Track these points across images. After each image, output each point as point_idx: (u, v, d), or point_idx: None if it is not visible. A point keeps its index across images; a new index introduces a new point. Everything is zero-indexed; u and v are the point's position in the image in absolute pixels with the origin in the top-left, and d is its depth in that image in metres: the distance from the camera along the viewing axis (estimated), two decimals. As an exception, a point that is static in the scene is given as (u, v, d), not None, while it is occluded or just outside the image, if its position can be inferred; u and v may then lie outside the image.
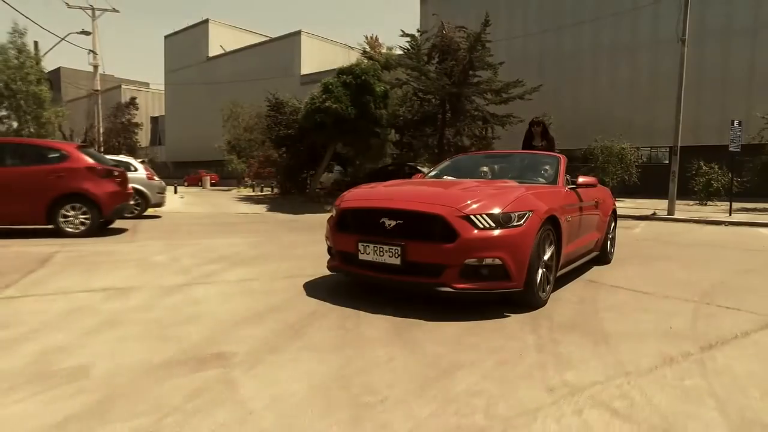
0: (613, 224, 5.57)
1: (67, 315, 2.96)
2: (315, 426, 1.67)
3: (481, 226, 3.02)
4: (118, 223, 8.24)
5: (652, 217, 12.28)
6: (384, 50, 24.68)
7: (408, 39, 15.47)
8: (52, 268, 4.48)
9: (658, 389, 2.00)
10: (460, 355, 2.38)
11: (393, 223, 3.17)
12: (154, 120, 60.05)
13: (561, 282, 4.02)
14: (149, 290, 3.62)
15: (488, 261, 2.99)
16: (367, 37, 34.68)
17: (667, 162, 21.97)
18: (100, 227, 7.09)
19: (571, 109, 25.04)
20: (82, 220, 6.69)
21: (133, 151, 28.04)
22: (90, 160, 6.88)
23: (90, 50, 24.16)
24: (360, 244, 3.26)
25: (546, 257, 3.39)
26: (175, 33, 52.11)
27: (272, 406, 1.81)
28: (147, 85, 74.75)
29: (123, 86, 58.67)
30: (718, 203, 16.95)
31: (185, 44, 50.01)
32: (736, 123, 12.70)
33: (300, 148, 15.50)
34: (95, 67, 24.88)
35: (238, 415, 1.74)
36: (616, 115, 24.50)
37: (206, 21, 48.05)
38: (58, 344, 2.44)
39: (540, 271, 3.27)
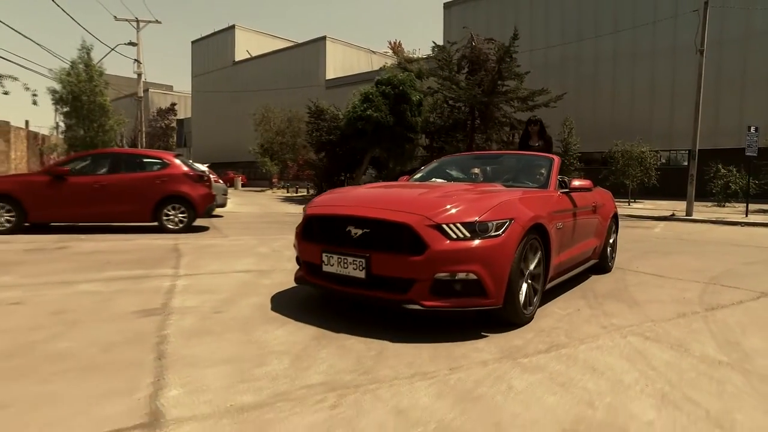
0: (614, 230, 5.28)
1: (244, 286, 4.13)
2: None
3: (454, 236, 2.77)
4: (197, 222, 9.49)
5: (671, 218, 13.14)
6: (406, 54, 25.81)
7: (438, 50, 16.55)
8: (190, 256, 5.68)
9: (673, 328, 3.08)
10: (540, 314, 3.47)
11: (359, 231, 2.95)
12: (179, 122, 62.07)
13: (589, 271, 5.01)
14: (282, 272, 4.78)
15: (461, 275, 2.74)
16: (390, 43, 35.86)
17: (685, 164, 22.63)
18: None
19: (591, 114, 25.78)
20: (181, 218, 7.94)
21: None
22: (185, 168, 8.13)
23: (135, 59, 25.80)
24: (324, 254, 3.05)
25: (531, 269, 3.16)
26: (202, 38, 53.95)
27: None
28: (171, 88, 77.25)
29: (150, 90, 60.86)
30: (736, 205, 17.67)
31: (212, 49, 51.81)
32: (752, 129, 13.50)
33: (338, 153, 16.71)
34: (139, 75, 26.53)
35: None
36: (635, 119, 25.18)
37: (233, 27, 49.73)
38: (261, 302, 3.60)
39: (523, 285, 3.05)
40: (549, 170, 4.18)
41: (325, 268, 3.06)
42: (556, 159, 4.42)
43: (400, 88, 13.65)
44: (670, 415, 1.92)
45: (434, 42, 16.28)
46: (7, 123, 14.10)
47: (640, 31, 24.91)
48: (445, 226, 2.78)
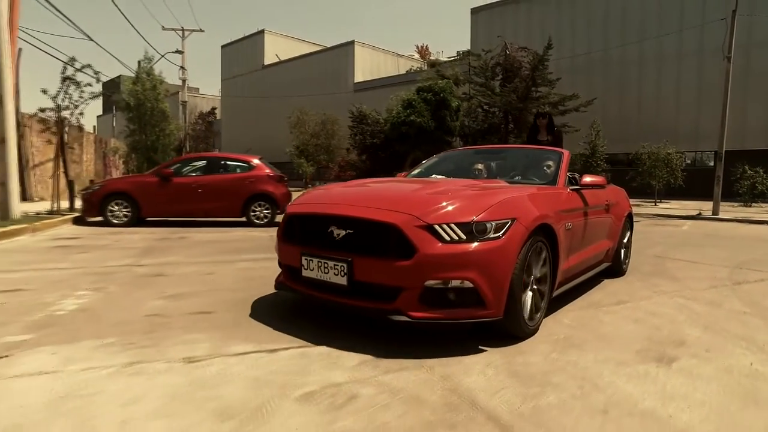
0: (628, 230, 5.06)
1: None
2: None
3: (448, 238, 2.50)
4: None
5: (698, 217, 13.86)
6: (432, 57, 26.84)
7: (474, 58, 17.58)
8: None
9: (708, 294, 4.10)
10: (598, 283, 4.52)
11: (342, 232, 2.70)
12: (209, 124, 64.13)
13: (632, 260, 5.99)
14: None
15: (455, 283, 2.48)
16: (418, 47, 36.96)
17: (711, 164, 23.12)
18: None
19: (617, 115, 26.35)
20: (266, 213, 9.16)
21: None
22: (268, 170, 9.36)
23: (180, 66, 27.43)
24: (303, 257, 2.80)
25: (536, 275, 2.90)
26: (232, 43, 55.75)
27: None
28: (197, 90, 79.66)
29: (180, 92, 63.03)
30: (762, 205, 18.25)
31: (241, 53, 53.54)
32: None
33: (381, 155, 17.89)
34: (184, 81, 28.19)
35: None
36: (661, 120, 25.66)
37: (262, 31, 51.36)
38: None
39: (527, 293, 2.79)
40: (558, 165, 3.87)
41: (305, 273, 2.79)
42: (566, 153, 4.09)
43: (441, 94, 14.75)
44: (711, 335, 2.97)
45: (461, 51, 17.33)
46: (80, 129, 15.61)
47: (666, 34, 25.41)
48: (437, 226, 2.50)
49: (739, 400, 2.09)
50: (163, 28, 27.07)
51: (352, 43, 41.04)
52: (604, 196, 4.19)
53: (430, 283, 2.47)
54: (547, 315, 3.18)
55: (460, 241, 2.51)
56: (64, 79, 9.15)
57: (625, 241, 4.94)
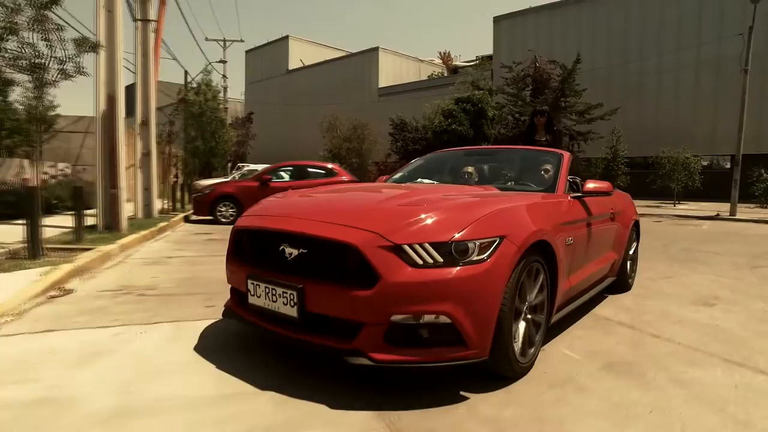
0: (635, 241, 4.67)
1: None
2: None
3: (420, 261, 2.06)
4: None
5: (716, 218, 15.11)
6: (453, 62, 28.25)
7: (506, 70, 19.06)
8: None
9: (731, 273, 5.57)
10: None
11: (294, 252, 2.29)
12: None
13: (656, 257, 7.44)
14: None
15: (429, 318, 2.05)
16: (441, 53, 38.38)
17: (727, 167, 24.24)
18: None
19: (637, 121, 27.47)
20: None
21: (243, 160, 33.18)
22: (346, 176, 10.92)
23: (223, 75, 29.22)
24: (249, 281, 2.41)
25: (531, 301, 2.50)
26: (256, 48, 57.63)
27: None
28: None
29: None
30: (777, 207, 19.44)
31: (266, 58, 55.39)
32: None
33: (421, 161, 19.38)
34: (225, 88, 29.98)
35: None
36: (679, 125, 26.66)
37: (286, 37, 53.16)
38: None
39: (519, 324, 2.40)
40: (557, 169, 3.42)
41: (251, 300, 2.40)
42: (566, 155, 3.65)
43: (480, 105, 16.24)
44: (736, 295, 4.46)
45: (480, 56, 18.71)
46: (131, 132, 17.40)
47: (685, 43, 26.55)
48: (406, 247, 2.07)
49: (755, 322, 3.60)
50: (206, 39, 28.91)
51: (376, 49, 42.57)
52: (609, 204, 3.80)
53: (397, 318, 2.02)
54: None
55: (436, 265, 2.05)
56: (181, 100, 10.82)
57: (632, 252, 4.53)
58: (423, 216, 2.23)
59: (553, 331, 3.13)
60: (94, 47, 5.79)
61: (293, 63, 51.75)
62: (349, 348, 2.09)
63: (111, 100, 7.17)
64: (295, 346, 2.37)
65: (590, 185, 3.27)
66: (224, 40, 29.00)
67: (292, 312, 2.20)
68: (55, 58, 5.00)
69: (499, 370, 2.31)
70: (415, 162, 4.39)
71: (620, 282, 4.32)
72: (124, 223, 7.34)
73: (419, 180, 3.88)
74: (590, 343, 3.03)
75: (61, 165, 13.59)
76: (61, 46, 5.00)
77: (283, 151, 50.27)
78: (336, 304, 2.13)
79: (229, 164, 25.58)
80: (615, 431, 1.97)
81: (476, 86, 19.62)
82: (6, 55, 4.62)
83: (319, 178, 10.75)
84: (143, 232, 7.27)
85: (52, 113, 13.50)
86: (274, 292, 2.28)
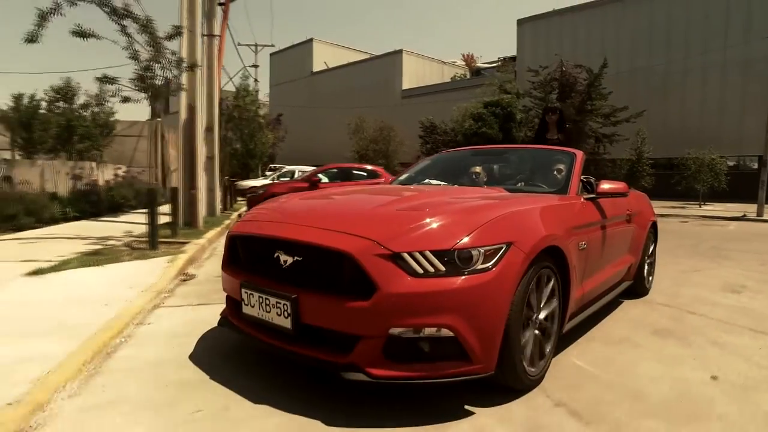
0: (652, 242, 4.57)
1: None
2: None
3: (420, 270, 1.96)
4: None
5: (743, 218, 15.37)
6: (477, 64, 28.76)
7: (533, 74, 19.62)
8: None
9: (758, 267, 6.16)
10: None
11: (289, 260, 2.20)
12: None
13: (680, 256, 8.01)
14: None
15: (430, 331, 1.95)
16: (464, 55, 38.93)
17: (754, 167, 24.26)
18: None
19: (661, 122, 27.55)
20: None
21: (273, 161, 34.31)
22: (389, 177, 11.67)
23: (255, 79, 30.34)
24: (243, 290, 2.34)
25: (540, 311, 2.38)
26: (281, 51, 58.93)
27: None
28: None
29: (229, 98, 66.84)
30: (805, 208, 19.50)
31: (290, 61, 56.63)
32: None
33: (451, 162, 20.05)
34: (257, 92, 31.10)
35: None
36: (704, 126, 26.64)
37: (311, 40, 54.30)
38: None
39: (528, 333, 2.26)
40: (570, 169, 3.30)
41: (245, 310, 2.35)
42: (579, 154, 3.51)
43: (508, 109, 16.86)
44: (761, 284, 5.08)
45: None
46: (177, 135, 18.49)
47: (711, 44, 26.59)
48: (406, 255, 1.98)
49: (777, 305, 4.25)
50: (239, 44, 30.09)
51: (400, 52, 43.35)
52: (625, 205, 3.68)
53: (396, 331, 1.94)
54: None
55: (437, 274, 1.96)
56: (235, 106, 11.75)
57: (649, 254, 4.44)
58: (423, 221, 2.13)
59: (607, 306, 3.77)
60: (192, 67, 6.68)
61: (317, 65, 52.83)
62: (345, 362, 1.99)
63: (191, 109, 8.09)
64: (289, 359, 2.28)
65: (605, 186, 3.15)
66: (255, 45, 30.13)
67: (286, 323, 2.12)
68: (164, 77, 5.90)
69: (508, 383, 2.20)
70: (422, 162, 4.31)
71: (637, 286, 4.19)
72: (201, 221, 8.23)
73: (426, 181, 3.80)
74: (638, 316, 3.75)
75: (121, 167, 14.69)
76: (169, 67, 5.88)
77: (308, 152, 51.48)
78: (331, 315, 2.04)
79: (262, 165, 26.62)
80: (667, 369, 2.71)
81: (504, 90, 20.20)
82: (126, 77, 5.57)
83: (362, 180, 11.53)
84: (218, 228, 8.15)
85: (112, 119, 14.63)
86: (267, 302, 2.20)
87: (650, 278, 4.56)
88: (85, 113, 13.50)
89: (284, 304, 2.12)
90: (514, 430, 2.00)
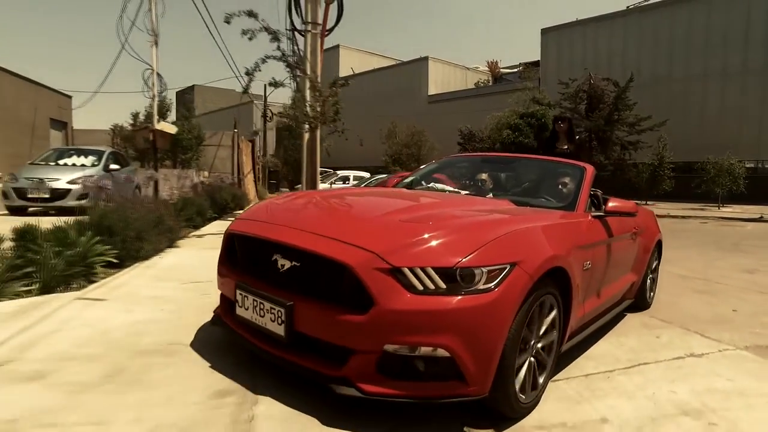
0: (656, 260, 4.54)
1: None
2: None
3: (420, 287, 1.90)
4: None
5: (760, 220, 16.59)
6: (499, 70, 30.23)
7: (563, 86, 21.38)
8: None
9: (767, 257, 7.95)
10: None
11: (287, 264, 2.16)
12: (279, 131, 70.04)
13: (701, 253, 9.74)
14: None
15: (426, 350, 1.90)
16: (488, 62, 40.64)
17: (772, 170, 25.49)
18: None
19: (681, 128, 28.60)
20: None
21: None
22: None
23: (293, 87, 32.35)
24: (238, 291, 2.32)
25: (539, 340, 2.28)
26: (307, 56, 61.08)
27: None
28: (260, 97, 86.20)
29: (255, 102, 69.25)
30: (821, 209, 20.72)
31: (316, 66, 58.66)
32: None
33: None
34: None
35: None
36: (723, 130, 27.45)
37: (337, 46, 56.35)
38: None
39: (524, 361, 2.17)
40: (578, 185, 3.22)
41: (239, 311, 2.30)
42: (589, 169, 3.43)
43: (542, 119, 18.64)
44: (770, 269, 6.88)
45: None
46: (247, 144, 20.49)
47: (731, 51, 27.73)
48: (407, 270, 1.90)
49: (780, 281, 6.06)
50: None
51: (426, 58, 45.17)
52: (631, 223, 3.62)
53: (391, 347, 1.89)
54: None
55: (437, 292, 1.90)
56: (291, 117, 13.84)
57: (653, 270, 4.42)
58: (427, 236, 2.04)
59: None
60: (336, 113, 9.00)
61: (343, 71, 54.80)
62: (337, 375, 1.96)
63: (313, 128, 10.28)
64: (280, 365, 2.20)
65: (612, 204, 3.04)
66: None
67: (279, 330, 2.09)
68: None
69: (498, 407, 2.11)
70: (429, 166, 4.27)
71: (639, 302, 4.18)
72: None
73: (432, 185, 3.71)
74: (682, 284, 5.60)
75: (204, 173, 16.84)
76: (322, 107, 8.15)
77: (340, 156, 53.39)
78: (326, 326, 2.01)
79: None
80: (708, 307, 4.55)
81: (536, 101, 21.90)
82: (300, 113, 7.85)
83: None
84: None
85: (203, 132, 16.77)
86: (262, 306, 2.17)
87: (652, 294, 4.50)
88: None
89: (279, 311, 2.09)
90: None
